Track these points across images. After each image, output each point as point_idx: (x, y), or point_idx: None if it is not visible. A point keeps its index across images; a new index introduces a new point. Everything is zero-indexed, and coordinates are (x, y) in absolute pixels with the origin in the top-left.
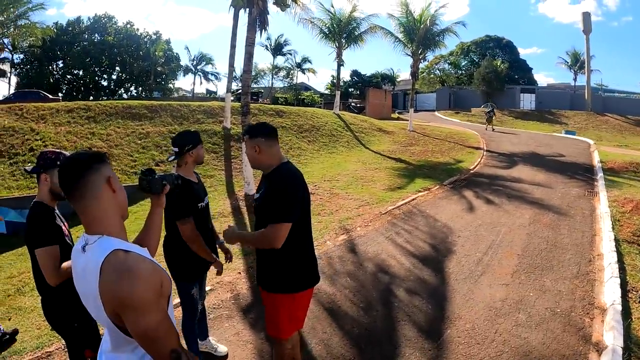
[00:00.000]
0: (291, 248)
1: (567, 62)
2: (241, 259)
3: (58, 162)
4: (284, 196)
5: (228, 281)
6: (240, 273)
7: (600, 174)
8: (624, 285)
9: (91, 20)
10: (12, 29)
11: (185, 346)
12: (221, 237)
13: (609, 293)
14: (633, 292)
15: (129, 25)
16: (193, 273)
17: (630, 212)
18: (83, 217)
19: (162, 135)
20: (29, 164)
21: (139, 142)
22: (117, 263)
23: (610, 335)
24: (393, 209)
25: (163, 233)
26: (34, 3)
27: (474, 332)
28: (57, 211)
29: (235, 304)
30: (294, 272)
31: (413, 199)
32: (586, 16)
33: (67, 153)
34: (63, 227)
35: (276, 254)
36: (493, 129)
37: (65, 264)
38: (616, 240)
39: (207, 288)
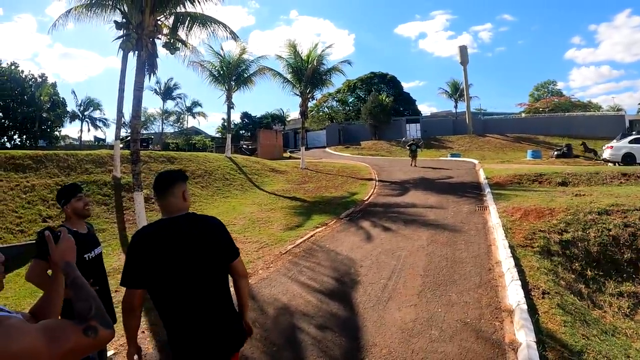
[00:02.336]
0: (163, 317)
1: (448, 92)
2: (143, 316)
3: None
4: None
5: None
6: (143, 332)
7: (487, 190)
8: (525, 285)
9: None
10: None
11: None
12: None
13: (513, 295)
14: (535, 290)
15: (13, 67)
16: None
17: (520, 219)
18: None
19: (49, 187)
20: None
21: (24, 196)
22: None
23: (522, 333)
24: (293, 247)
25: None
26: None
27: (391, 356)
28: None
29: None
30: (170, 342)
31: (312, 236)
32: (463, 49)
33: None
34: None
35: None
36: (416, 165)
37: None
38: (511, 246)
39: (110, 352)
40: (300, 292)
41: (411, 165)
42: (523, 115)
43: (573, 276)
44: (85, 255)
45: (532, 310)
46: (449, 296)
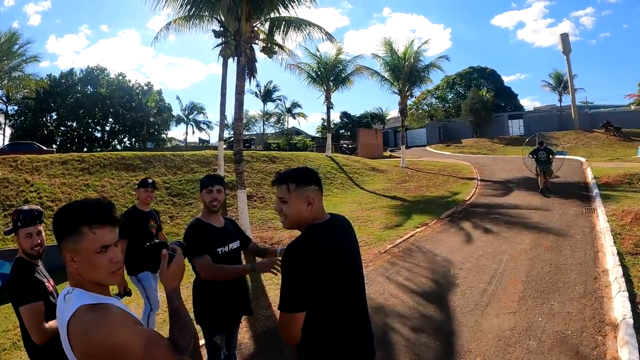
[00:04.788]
0: (321, 336)
1: (551, 84)
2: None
3: (19, 223)
4: (284, 277)
5: None
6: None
7: (595, 190)
8: (632, 298)
9: (84, 72)
10: (6, 81)
11: None
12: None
13: (619, 308)
14: None
15: (120, 77)
16: (218, 319)
17: (630, 224)
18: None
19: (157, 185)
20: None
21: (134, 193)
22: (81, 320)
23: (626, 350)
24: (392, 247)
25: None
26: (27, 56)
27: None
28: (40, 267)
29: (238, 353)
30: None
31: (411, 236)
32: (564, 37)
33: (28, 207)
34: (47, 284)
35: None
36: (548, 188)
37: (51, 323)
38: (619, 254)
39: None
40: (397, 292)
41: (540, 187)
42: (632, 107)
43: None
44: (217, 250)
45: (639, 326)
46: (551, 305)
